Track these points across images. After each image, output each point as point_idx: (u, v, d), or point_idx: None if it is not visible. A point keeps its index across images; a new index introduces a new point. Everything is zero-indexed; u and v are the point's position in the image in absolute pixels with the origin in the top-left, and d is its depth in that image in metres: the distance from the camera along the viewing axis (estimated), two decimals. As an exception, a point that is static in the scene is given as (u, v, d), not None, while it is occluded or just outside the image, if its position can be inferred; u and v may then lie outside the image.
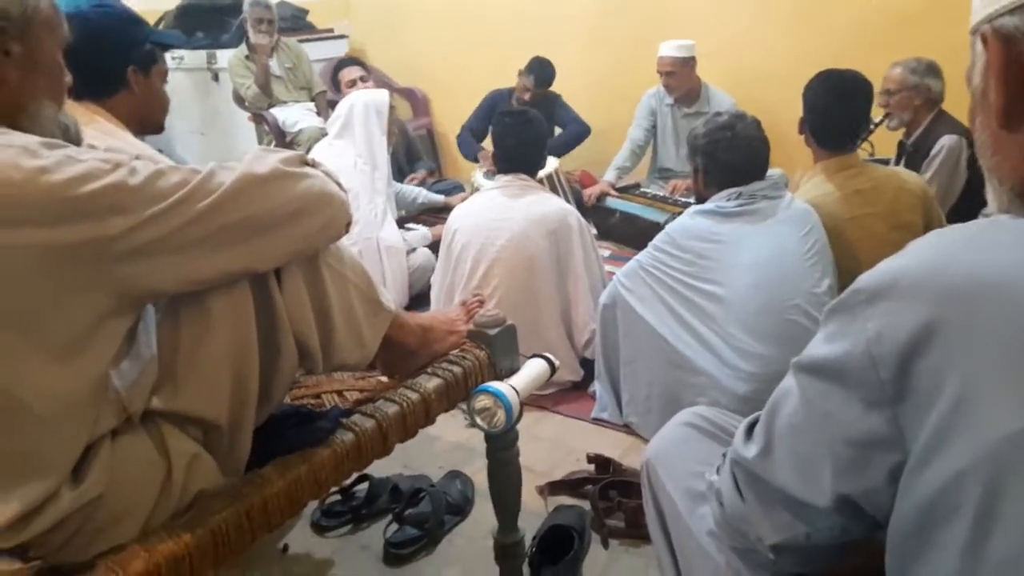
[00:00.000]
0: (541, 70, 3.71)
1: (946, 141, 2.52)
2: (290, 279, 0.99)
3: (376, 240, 2.71)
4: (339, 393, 1.34)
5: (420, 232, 3.07)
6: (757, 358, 1.69)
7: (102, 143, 1.14)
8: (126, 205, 0.81)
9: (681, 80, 3.36)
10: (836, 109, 1.97)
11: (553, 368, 1.30)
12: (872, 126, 2.65)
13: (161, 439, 0.92)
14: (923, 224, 2.03)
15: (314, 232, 0.98)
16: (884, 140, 2.81)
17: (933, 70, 2.62)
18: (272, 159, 0.95)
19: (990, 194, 0.60)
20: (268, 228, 0.92)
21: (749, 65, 3.56)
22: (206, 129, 4.73)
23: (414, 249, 2.92)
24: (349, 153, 2.78)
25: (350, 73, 3.81)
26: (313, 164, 1.03)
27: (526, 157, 2.33)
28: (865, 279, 0.52)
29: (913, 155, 2.67)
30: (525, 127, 2.33)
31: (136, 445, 0.90)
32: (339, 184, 1.04)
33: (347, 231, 1.05)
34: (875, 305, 0.50)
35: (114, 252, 0.80)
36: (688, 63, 3.34)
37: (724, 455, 0.68)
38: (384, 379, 1.36)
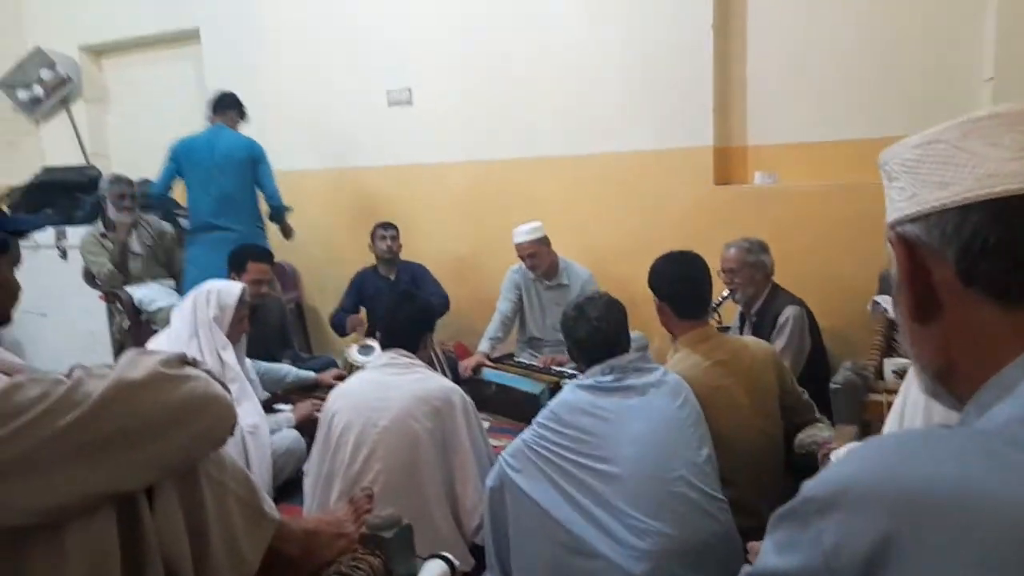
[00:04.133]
0: None
1: (790, 312, 2.79)
2: (163, 496, 0.88)
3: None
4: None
5: (283, 414, 2.89)
6: (651, 535, 1.67)
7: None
8: None
9: (542, 258, 3.62)
10: (688, 280, 2.15)
11: (453, 569, 1.22)
12: (719, 302, 2.91)
13: None
14: (777, 384, 2.18)
15: (194, 441, 0.90)
16: (724, 311, 3.12)
17: (763, 247, 2.95)
18: (149, 362, 0.88)
19: (916, 378, 0.64)
20: (143, 440, 0.83)
21: (601, 243, 3.89)
22: (48, 310, 4.39)
23: (278, 430, 2.74)
24: (193, 344, 2.59)
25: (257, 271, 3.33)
26: (194, 363, 0.96)
27: (411, 332, 2.33)
28: (814, 487, 0.51)
29: (759, 324, 2.92)
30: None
31: None
32: (223, 384, 0.98)
33: (231, 434, 0.97)
34: (828, 516, 0.49)
35: None
36: (544, 242, 3.61)
37: None
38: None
